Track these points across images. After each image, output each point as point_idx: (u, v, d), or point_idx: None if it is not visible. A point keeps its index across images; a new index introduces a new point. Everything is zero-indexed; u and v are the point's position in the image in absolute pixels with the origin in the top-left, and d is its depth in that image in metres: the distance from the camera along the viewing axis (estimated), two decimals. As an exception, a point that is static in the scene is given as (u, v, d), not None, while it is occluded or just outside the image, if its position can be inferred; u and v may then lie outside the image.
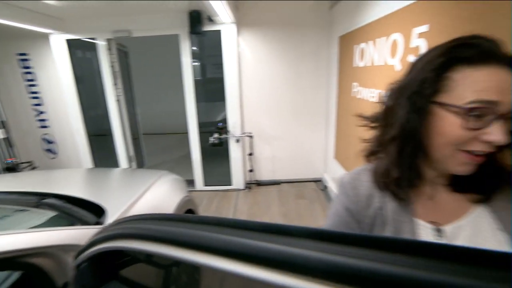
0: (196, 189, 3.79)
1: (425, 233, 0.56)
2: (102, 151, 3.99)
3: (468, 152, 0.48)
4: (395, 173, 0.56)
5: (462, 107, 0.46)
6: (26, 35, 3.34)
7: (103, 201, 1.41)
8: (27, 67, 3.64)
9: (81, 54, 3.68)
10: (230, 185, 3.80)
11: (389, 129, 0.55)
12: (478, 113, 0.45)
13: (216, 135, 3.53)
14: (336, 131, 3.18)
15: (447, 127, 0.48)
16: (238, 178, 3.77)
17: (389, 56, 1.69)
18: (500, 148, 0.47)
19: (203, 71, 6.57)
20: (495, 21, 0.95)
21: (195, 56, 6.47)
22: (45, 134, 3.98)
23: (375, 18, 1.90)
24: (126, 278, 0.61)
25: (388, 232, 0.58)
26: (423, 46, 1.34)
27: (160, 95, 6.76)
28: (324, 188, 3.67)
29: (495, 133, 0.44)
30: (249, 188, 3.83)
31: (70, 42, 3.39)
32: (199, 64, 6.57)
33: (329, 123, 3.47)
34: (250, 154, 3.76)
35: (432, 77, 0.48)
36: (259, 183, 3.92)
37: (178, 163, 4.98)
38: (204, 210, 3.27)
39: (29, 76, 3.68)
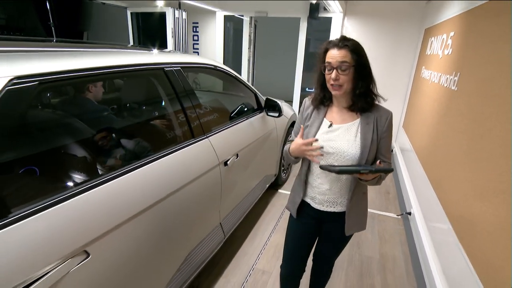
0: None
1: (324, 124, 1.18)
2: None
3: (331, 85, 1.10)
4: (317, 98, 1.22)
5: (323, 64, 1.10)
6: (200, 11, 5.10)
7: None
8: (196, 32, 5.48)
9: (226, 25, 5.30)
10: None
11: (316, 81, 1.21)
12: (328, 67, 1.08)
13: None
14: (407, 104, 4.01)
15: (325, 75, 1.10)
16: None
17: (439, 48, 2.59)
18: (340, 86, 1.08)
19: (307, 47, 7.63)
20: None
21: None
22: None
23: (441, 20, 2.76)
24: None
25: (308, 122, 1.22)
26: (450, 44, 2.26)
27: (273, 63, 8.11)
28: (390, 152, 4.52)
29: (332, 75, 1.07)
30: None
31: (225, 17, 5.01)
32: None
33: (406, 99, 4.28)
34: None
35: (321, 57, 1.12)
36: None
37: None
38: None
39: (195, 38, 5.52)
